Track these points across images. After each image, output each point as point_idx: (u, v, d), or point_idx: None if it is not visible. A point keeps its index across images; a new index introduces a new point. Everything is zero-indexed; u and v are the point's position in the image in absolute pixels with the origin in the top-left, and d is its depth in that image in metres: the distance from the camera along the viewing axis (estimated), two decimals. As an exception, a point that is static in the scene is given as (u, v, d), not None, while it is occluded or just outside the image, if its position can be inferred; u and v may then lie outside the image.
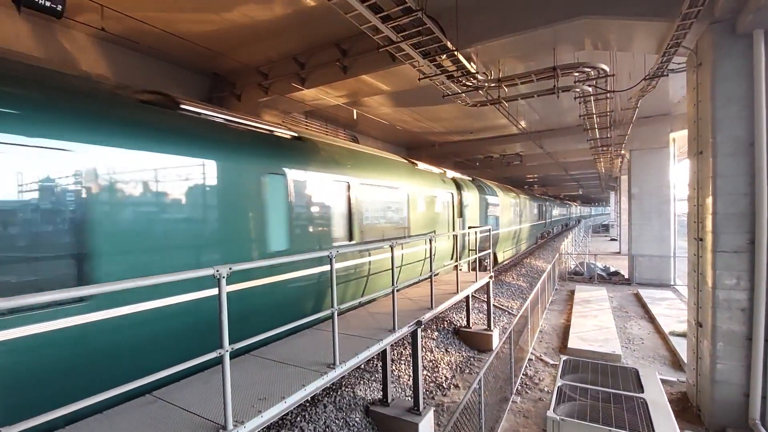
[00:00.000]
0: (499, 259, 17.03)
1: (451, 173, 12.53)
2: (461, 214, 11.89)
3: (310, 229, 5.71)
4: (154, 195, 3.74)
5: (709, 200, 5.23)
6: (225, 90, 10.64)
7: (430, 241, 6.36)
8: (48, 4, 4.36)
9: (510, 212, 18.89)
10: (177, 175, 3.92)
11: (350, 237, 6.40)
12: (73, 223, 3.15)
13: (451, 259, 10.50)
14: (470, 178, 14.52)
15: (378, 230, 7.27)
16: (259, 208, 4.74)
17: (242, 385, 3.26)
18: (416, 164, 9.92)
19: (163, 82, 9.62)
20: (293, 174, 5.30)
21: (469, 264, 10.89)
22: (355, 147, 7.97)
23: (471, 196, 13.09)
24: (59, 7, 4.45)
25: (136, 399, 3.10)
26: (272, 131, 5.45)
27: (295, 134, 5.89)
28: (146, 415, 2.89)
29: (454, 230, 10.97)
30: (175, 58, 9.48)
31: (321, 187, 5.85)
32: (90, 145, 3.26)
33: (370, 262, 6.82)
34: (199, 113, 4.53)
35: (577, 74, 7.28)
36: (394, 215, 7.94)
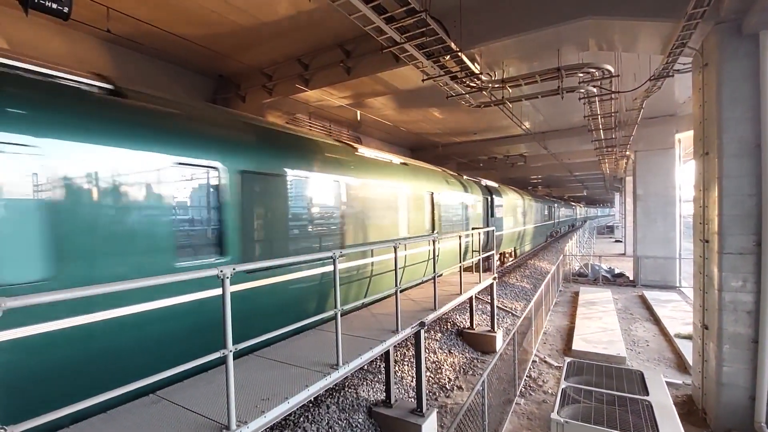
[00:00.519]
0: (518, 253, 19.63)
1: (484, 181, 15.49)
2: (492, 214, 14.73)
3: (416, 221, 8.28)
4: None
5: (715, 201, 5.19)
6: (230, 91, 10.69)
7: (434, 241, 6.48)
8: (54, 6, 4.39)
9: (529, 213, 22.16)
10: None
11: (432, 229, 9.07)
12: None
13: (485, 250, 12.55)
14: (497, 185, 16.79)
15: (447, 225, 10.01)
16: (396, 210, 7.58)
17: (245, 386, 3.27)
18: (462, 176, 12.97)
19: (169, 84, 9.68)
20: (406, 187, 7.96)
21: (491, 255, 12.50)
22: (431, 167, 10.57)
23: (500, 200, 15.85)
24: (66, 9, 4.47)
25: (140, 398, 3.11)
26: (391, 160, 8.03)
27: (402, 161, 8.60)
28: (150, 414, 2.90)
29: (488, 227, 13.30)
30: (179, 60, 9.53)
31: (421, 196, 8.58)
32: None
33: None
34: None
35: (581, 75, 7.26)
36: (456, 214, 10.85)
